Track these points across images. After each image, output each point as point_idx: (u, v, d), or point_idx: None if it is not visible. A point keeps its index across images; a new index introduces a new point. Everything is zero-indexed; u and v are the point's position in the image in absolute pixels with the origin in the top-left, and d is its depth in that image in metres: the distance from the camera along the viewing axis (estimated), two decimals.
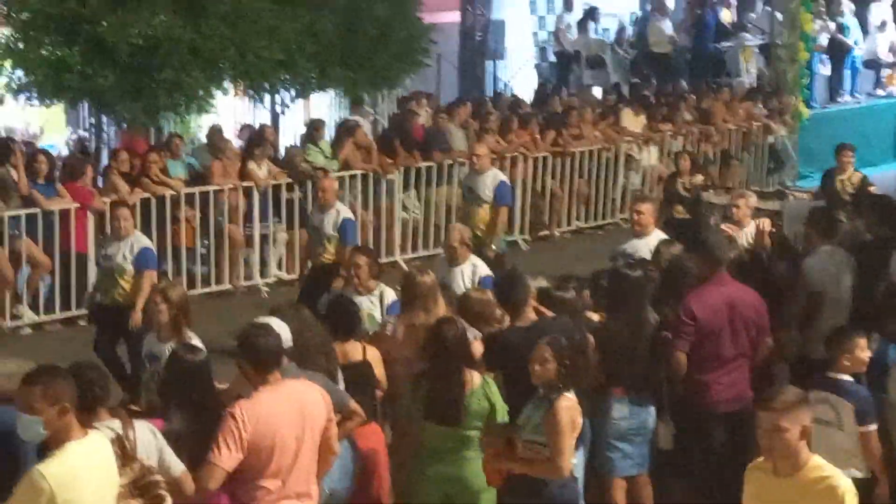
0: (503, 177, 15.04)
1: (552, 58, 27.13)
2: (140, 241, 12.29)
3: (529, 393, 8.00)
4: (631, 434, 9.07)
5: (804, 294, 10.42)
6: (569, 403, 7.81)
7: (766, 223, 11.43)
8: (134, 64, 16.00)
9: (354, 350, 8.97)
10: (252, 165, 16.26)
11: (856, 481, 8.29)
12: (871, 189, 14.50)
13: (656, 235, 11.63)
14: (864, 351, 8.43)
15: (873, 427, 8.26)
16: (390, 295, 10.32)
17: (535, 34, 27.36)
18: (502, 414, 8.16)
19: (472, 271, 11.19)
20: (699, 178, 16.25)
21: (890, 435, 8.51)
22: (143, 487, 6.55)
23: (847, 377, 8.40)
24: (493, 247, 14.08)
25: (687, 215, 15.53)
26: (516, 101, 22.24)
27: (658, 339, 9.23)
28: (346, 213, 13.50)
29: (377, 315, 10.32)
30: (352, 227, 13.51)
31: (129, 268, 11.99)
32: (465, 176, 15.66)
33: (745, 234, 11.87)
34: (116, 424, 6.73)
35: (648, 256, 10.81)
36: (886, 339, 8.79)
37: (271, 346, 7.21)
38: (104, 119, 18.50)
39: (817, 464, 6.19)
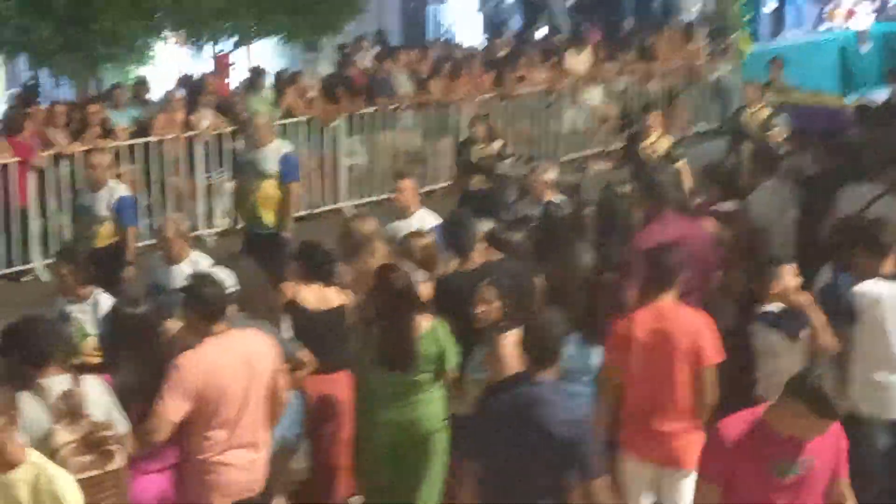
0: (288, 148, 13.49)
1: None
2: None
3: (480, 335, 8.01)
4: (577, 373, 9.05)
5: (747, 230, 10.47)
6: (515, 339, 7.82)
7: None
8: (70, 15, 15.78)
9: (334, 295, 8.87)
10: (195, 116, 16.10)
11: None
12: (681, 159, 13.36)
13: (421, 215, 10.76)
14: (792, 279, 8.45)
15: (804, 333, 8.34)
16: (106, 301, 9.06)
17: None
18: (453, 357, 8.16)
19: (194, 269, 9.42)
20: (497, 145, 14.32)
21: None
22: (93, 443, 6.53)
23: (772, 306, 8.46)
24: (290, 226, 12.98)
25: (485, 186, 13.76)
26: (459, 45, 22.17)
27: (601, 280, 9.20)
28: (121, 190, 12.19)
29: (89, 326, 9.04)
30: (129, 206, 12.20)
31: None
32: (243, 150, 14.02)
33: None
34: (65, 379, 6.69)
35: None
36: (838, 268, 8.81)
37: (216, 296, 7.16)
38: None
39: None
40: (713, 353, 7.77)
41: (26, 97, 17.22)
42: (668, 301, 7.91)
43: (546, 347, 6.90)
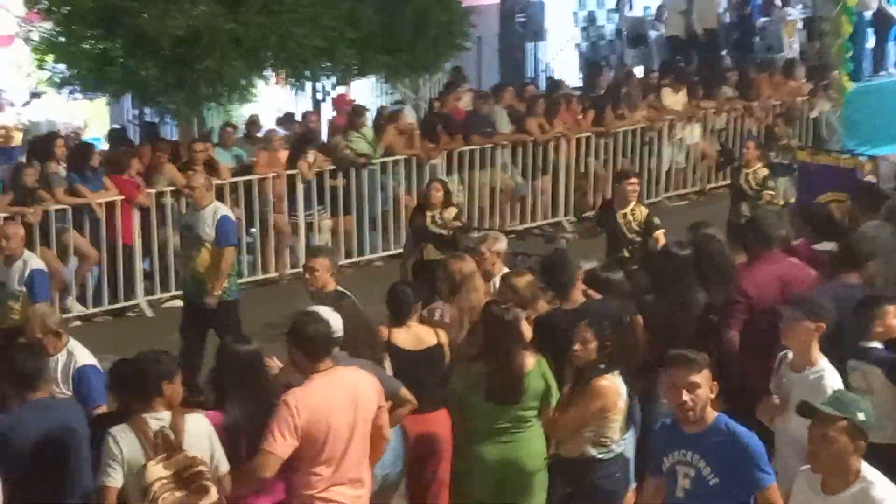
0: (226, 210, 12.69)
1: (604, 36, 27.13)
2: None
3: (574, 375, 8.08)
4: None
5: None
6: (607, 384, 7.88)
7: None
8: (176, 55, 16.01)
9: (429, 334, 8.94)
10: (300, 160, 16.23)
11: (886, 447, 8.45)
12: (657, 225, 12.25)
13: (339, 293, 9.61)
14: (894, 318, 8.45)
15: None
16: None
17: (574, 14, 27.24)
18: (555, 394, 8.19)
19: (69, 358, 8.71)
20: (452, 212, 13.20)
21: None
22: (187, 479, 6.64)
23: (877, 344, 8.44)
24: (217, 293, 12.05)
25: (440, 255, 12.39)
26: (557, 82, 22.21)
27: (706, 320, 9.19)
28: (35, 263, 11.17)
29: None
30: (41, 280, 11.01)
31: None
32: (184, 214, 13.43)
33: (494, 283, 10.22)
34: (166, 415, 6.85)
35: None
36: None
37: (322, 334, 7.23)
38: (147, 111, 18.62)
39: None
40: None
41: (148, 134, 17.54)
42: None
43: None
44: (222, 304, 12.11)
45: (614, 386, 8.00)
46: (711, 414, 6.64)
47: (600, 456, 8.03)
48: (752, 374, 9.16)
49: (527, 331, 8.82)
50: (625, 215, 12.23)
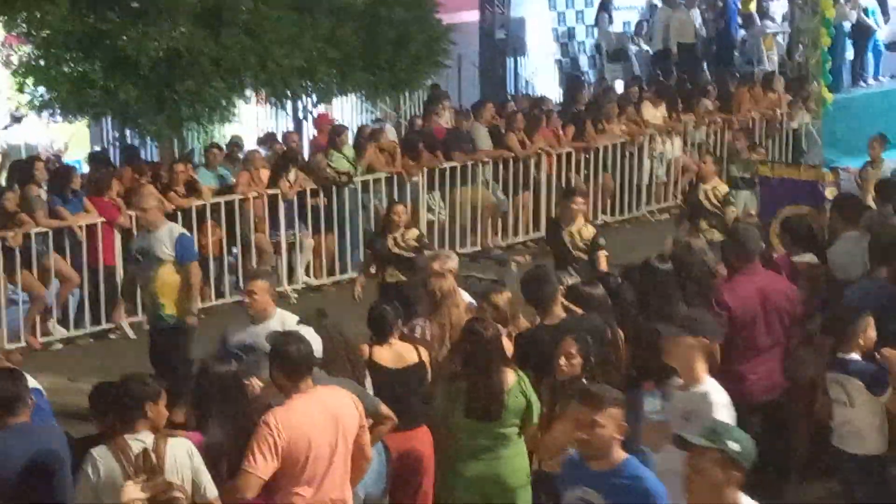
0: (181, 229, 12.57)
1: (582, 52, 27.18)
2: None
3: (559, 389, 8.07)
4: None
5: (825, 281, 10.41)
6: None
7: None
8: (156, 77, 16.03)
9: (410, 352, 8.95)
10: (282, 180, 16.21)
11: (869, 458, 8.46)
12: (601, 245, 12.15)
13: (280, 317, 9.47)
14: (873, 330, 8.52)
15: (886, 396, 8.39)
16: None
17: (554, 30, 27.29)
18: (537, 410, 8.18)
19: None
20: (414, 233, 13.14)
21: None
22: (162, 503, 6.61)
23: (855, 356, 8.50)
24: (194, 310, 12.06)
25: (400, 278, 12.66)
26: (539, 98, 22.22)
27: None
28: None
29: None
30: None
31: None
32: (136, 238, 12.92)
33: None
34: (148, 438, 6.82)
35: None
36: None
37: (303, 354, 7.24)
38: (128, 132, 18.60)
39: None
40: None
41: (129, 156, 17.53)
42: None
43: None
44: (176, 328, 11.94)
45: None
46: (620, 455, 6.45)
47: None
48: (733, 384, 9.18)
49: (508, 347, 8.83)
50: (571, 233, 12.22)
